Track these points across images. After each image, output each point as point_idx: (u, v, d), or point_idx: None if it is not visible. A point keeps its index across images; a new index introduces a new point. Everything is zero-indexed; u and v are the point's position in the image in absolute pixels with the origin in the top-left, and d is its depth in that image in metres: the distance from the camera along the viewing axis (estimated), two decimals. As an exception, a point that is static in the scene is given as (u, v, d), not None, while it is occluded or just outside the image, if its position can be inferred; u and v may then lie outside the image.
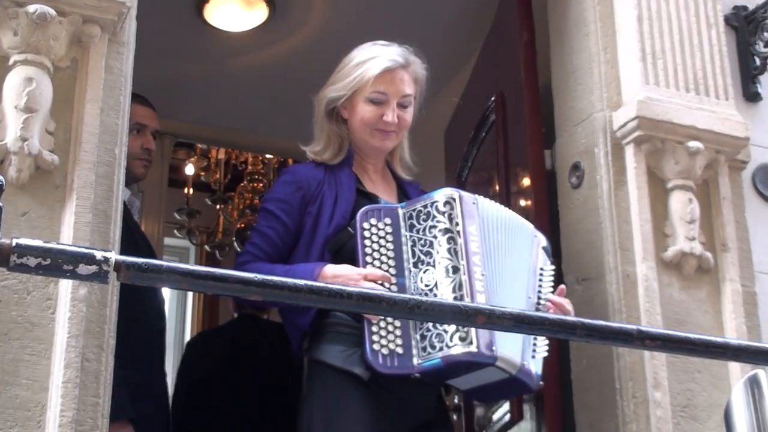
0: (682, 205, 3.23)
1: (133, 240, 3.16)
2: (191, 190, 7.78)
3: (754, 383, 1.74)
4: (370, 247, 2.64)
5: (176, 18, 4.87)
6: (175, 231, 7.97)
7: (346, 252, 2.67)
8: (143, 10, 2.91)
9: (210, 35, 5.03)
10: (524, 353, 2.63)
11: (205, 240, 8.24)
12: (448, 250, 2.59)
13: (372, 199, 2.83)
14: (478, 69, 4.32)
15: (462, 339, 2.48)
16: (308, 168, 2.89)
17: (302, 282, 1.45)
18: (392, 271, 2.64)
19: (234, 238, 7.88)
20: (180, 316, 8.75)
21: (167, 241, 7.78)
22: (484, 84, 4.17)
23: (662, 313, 3.12)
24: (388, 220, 2.68)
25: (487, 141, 4.09)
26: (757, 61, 3.70)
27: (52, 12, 2.54)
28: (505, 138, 3.86)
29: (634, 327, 1.66)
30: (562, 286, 2.84)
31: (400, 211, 2.70)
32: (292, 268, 2.65)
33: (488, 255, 2.66)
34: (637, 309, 3.11)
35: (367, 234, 2.65)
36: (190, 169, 7.72)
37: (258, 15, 4.94)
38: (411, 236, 2.64)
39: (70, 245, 1.24)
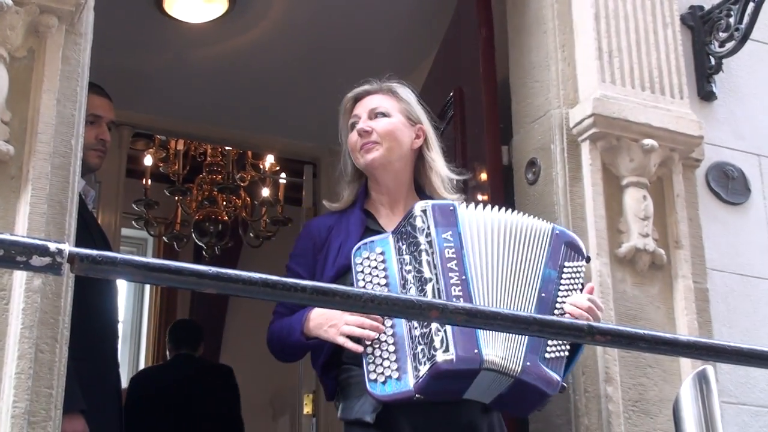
0: (636, 202, 3.26)
1: (87, 231, 3.14)
2: (149, 181, 7.72)
3: (702, 379, 1.77)
4: (363, 280, 2.60)
5: (135, 9, 4.85)
6: (133, 222, 7.92)
7: None
8: (101, 1, 2.89)
9: (169, 27, 5.01)
10: (527, 354, 2.50)
11: (163, 231, 8.19)
12: (423, 262, 2.54)
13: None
14: (438, 64, 4.33)
15: (436, 348, 2.40)
16: (320, 219, 2.98)
17: (257, 275, 1.45)
18: None
19: (192, 230, 7.84)
20: (137, 307, 8.71)
21: (125, 231, 7.73)
22: (443, 79, 4.18)
23: (615, 309, 3.15)
24: (379, 250, 2.64)
25: (445, 135, 4.08)
26: (712, 61, 3.74)
27: (9, 2, 2.52)
28: (463, 133, 3.88)
29: (585, 323, 1.68)
30: (591, 285, 2.74)
31: (391, 238, 2.66)
32: (290, 328, 2.68)
33: (473, 258, 2.57)
34: (591, 303, 3.14)
35: (359, 269, 2.62)
36: (148, 160, 7.66)
37: (218, 7, 4.92)
38: (401, 259, 2.60)
39: (23, 237, 1.24)
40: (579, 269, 2.73)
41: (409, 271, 2.56)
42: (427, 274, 2.51)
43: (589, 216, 3.23)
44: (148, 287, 8.64)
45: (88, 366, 2.95)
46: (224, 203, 7.93)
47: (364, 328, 2.52)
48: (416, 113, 2.90)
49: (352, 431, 2.59)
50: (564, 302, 2.63)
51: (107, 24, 3.17)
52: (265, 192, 7.72)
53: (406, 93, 2.93)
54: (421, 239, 2.55)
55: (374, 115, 2.84)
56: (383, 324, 2.52)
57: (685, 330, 3.19)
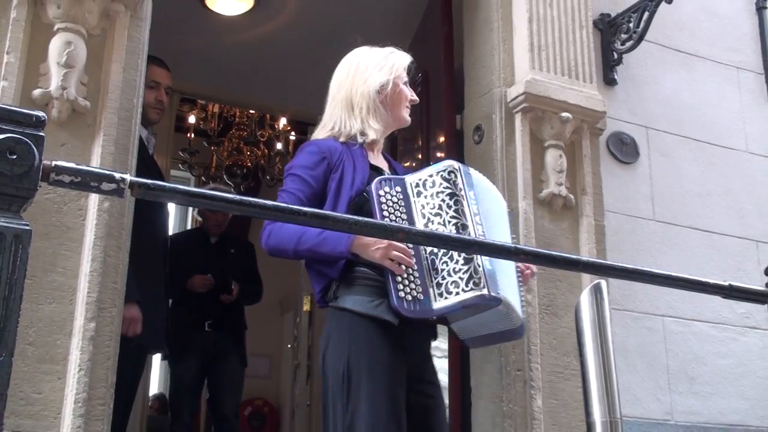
0: (554, 159, 3.27)
1: (147, 169, 3.13)
2: (192, 135, 7.69)
3: (597, 290, 1.77)
4: (387, 211, 2.30)
5: (184, 2, 4.79)
6: (180, 165, 7.92)
7: (364, 214, 2.28)
8: (158, -6, 2.85)
9: (210, 17, 4.95)
10: (521, 312, 2.36)
11: (202, 173, 8.18)
12: (456, 210, 2.27)
13: (379, 171, 2.47)
14: (410, 52, 4.29)
15: (476, 284, 2.19)
16: (329, 141, 2.46)
17: (270, 202, 1.45)
18: None
19: (224, 172, 7.86)
20: (182, 226, 8.71)
21: (173, 172, 7.73)
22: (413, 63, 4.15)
23: (536, 237, 3.17)
24: (398, 189, 2.34)
25: (414, 107, 4.07)
26: (615, 56, 3.74)
27: (87, -8, 2.49)
28: (428, 105, 3.87)
29: (513, 245, 1.69)
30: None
31: (407, 180, 2.37)
32: (324, 232, 2.26)
33: (484, 216, 2.33)
34: (517, 233, 3.14)
35: (383, 200, 2.32)
36: (192, 119, 7.63)
37: (246, 4, 4.87)
38: (419, 201, 2.32)
39: (96, 167, 1.23)
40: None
41: (436, 214, 2.29)
42: (462, 221, 2.26)
43: (519, 169, 3.24)
44: (190, 212, 8.63)
45: (144, 268, 2.96)
46: (248, 153, 7.92)
47: (404, 257, 2.26)
48: None
49: (355, 320, 2.28)
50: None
51: (163, 12, 3.12)
52: (279, 146, 7.70)
53: None
54: (454, 191, 2.30)
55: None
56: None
57: (586, 254, 3.21)
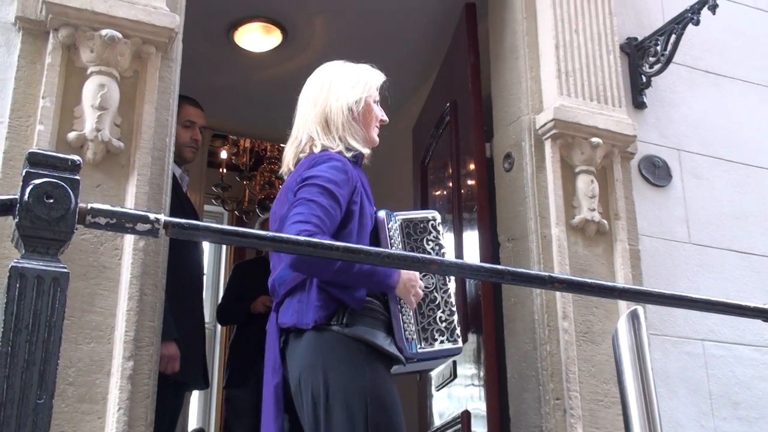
0: (585, 184, 3.25)
1: (181, 206, 3.15)
2: (225, 170, 7.76)
3: (634, 317, 1.75)
4: (394, 246, 2.31)
5: (214, 41, 4.85)
6: (213, 200, 7.97)
7: (372, 242, 2.31)
8: (188, 34, 2.89)
9: (238, 54, 5.00)
10: None
11: (235, 207, 8.23)
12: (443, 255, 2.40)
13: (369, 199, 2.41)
14: (438, 82, 4.32)
15: (458, 336, 2.33)
16: (347, 162, 2.33)
17: (302, 238, 1.46)
18: None
19: (256, 206, 7.89)
20: (216, 262, 8.75)
21: (207, 207, 7.77)
22: (441, 93, 4.17)
23: (570, 264, 3.14)
24: (397, 226, 2.36)
25: (443, 136, 4.09)
26: (644, 79, 3.72)
27: (119, 35, 2.53)
28: (457, 134, 3.87)
29: (547, 273, 1.68)
30: None
31: (398, 218, 2.38)
32: (374, 267, 2.16)
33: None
34: (551, 261, 3.13)
35: (391, 234, 2.33)
36: (223, 154, 7.70)
37: (274, 40, 4.92)
38: (408, 243, 2.35)
39: (131, 209, 1.25)
40: None
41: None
42: None
43: (550, 195, 3.22)
44: (224, 248, 8.68)
45: (180, 305, 2.98)
46: (280, 187, 7.95)
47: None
48: None
49: (371, 353, 2.19)
50: None
51: (193, 52, 3.17)
52: (310, 178, 7.71)
53: None
54: (441, 241, 2.40)
55: None
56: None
57: (621, 280, 3.18)
